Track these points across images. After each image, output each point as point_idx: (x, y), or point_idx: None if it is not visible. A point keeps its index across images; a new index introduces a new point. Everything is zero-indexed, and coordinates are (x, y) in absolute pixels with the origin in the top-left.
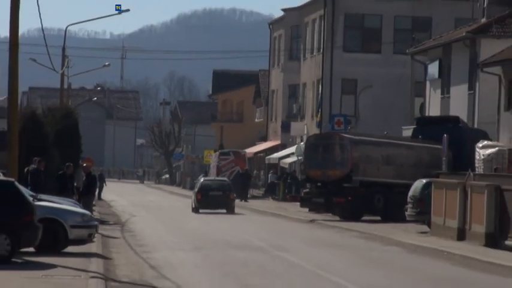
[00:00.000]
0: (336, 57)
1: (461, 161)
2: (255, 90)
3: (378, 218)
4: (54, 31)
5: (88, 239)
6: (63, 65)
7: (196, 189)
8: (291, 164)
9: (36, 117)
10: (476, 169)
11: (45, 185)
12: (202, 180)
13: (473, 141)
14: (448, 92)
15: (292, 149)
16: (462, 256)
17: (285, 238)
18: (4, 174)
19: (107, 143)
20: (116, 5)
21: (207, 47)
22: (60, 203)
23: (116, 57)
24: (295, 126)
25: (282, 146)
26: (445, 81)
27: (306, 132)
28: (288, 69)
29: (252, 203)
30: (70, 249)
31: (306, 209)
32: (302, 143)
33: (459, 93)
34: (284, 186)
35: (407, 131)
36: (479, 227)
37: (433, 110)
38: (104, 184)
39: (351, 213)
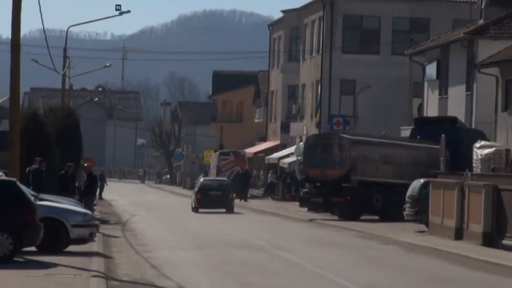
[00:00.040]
0: (335, 58)
1: (459, 161)
2: (254, 91)
3: (377, 217)
4: (56, 32)
5: (89, 238)
6: (64, 65)
7: (196, 189)
8: (290, 164)
9: (38, 118)
10: (474, 169)
11: (47, 185)
12: (202, 180)
13: (470, 142)
14: (446, 93)
15: (291, 149)
16: (459, 255)
17: (285, 237)
18: (6, 174)
19: (108, 143)
20: (116, 5)
21: (207, 48)
22: (61, 203)
23: (116, 58)
24: (295, 127)
25: (282, 146)
26: (443, 82)
27: (305, 132)
28: (287, 70)
29: (252, 202)
30: (71, 248)
31: (305, 209)
32: (301, 143)
33: (457, 93)
34: (283, 186)
35: (406, 131)
36: (476, 227)
37: (431, 110)
38: (105, 184)
39: (350, 212)
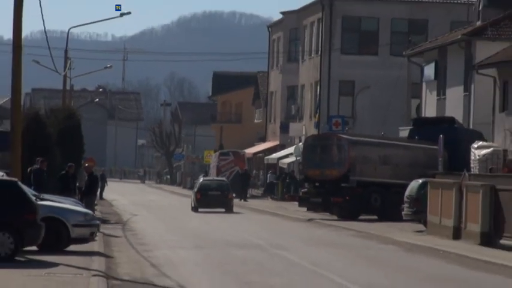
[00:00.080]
0: (334, 59)
1: (457, 161)
2: (254, 92)
3: (375, 217)
4: (57, 33)
5: (90, 238)
6: (65, 66)
7: (195, 189)
8: (289, 164)
9: (39, 118)
10: (472, 169)
11: (48, 185)
12: (201, 180)
13: (468, 142)
14: (444, 94)
15: (290, 150)
16: (457, 255)
17: (284, 237)
18: (7, 174)
19: (109, 144)
20: (116, 5)
21: (207, 49)
22: (62, 203)
23: (117, 59)
24: (294, 127)
25: (281, 147)
26: (441, 83)
27: (304, 132)
28: (286, 71)
29: (251, 202)
30: (72, 247)
31: (304, 209)
32: (300, 144)
33: (455, 94)
34: (283, 186)
35: (404, 132)
36: (474, 226)
37: (429, 111)
38: (106, 184)
39: (348, 212)
